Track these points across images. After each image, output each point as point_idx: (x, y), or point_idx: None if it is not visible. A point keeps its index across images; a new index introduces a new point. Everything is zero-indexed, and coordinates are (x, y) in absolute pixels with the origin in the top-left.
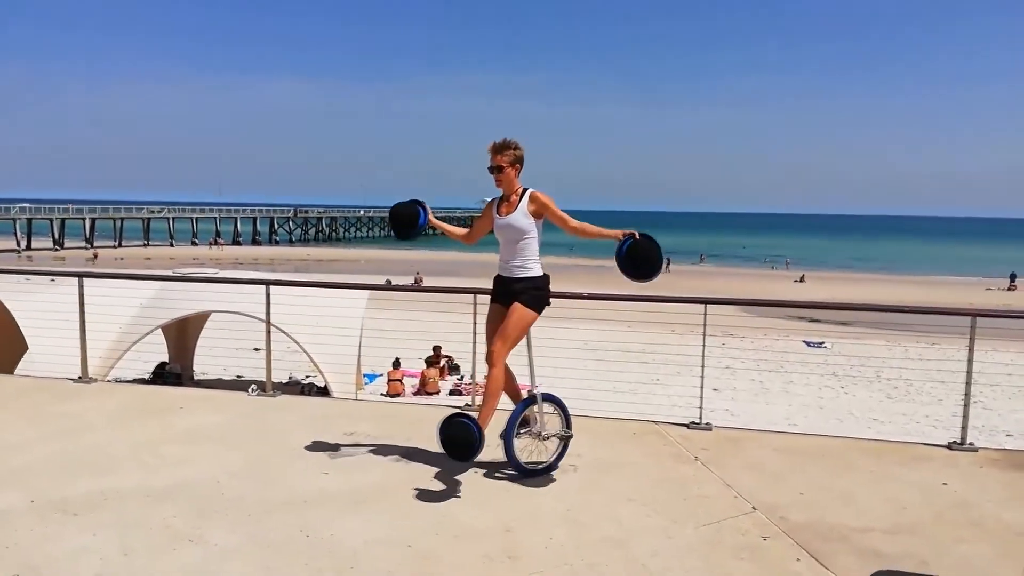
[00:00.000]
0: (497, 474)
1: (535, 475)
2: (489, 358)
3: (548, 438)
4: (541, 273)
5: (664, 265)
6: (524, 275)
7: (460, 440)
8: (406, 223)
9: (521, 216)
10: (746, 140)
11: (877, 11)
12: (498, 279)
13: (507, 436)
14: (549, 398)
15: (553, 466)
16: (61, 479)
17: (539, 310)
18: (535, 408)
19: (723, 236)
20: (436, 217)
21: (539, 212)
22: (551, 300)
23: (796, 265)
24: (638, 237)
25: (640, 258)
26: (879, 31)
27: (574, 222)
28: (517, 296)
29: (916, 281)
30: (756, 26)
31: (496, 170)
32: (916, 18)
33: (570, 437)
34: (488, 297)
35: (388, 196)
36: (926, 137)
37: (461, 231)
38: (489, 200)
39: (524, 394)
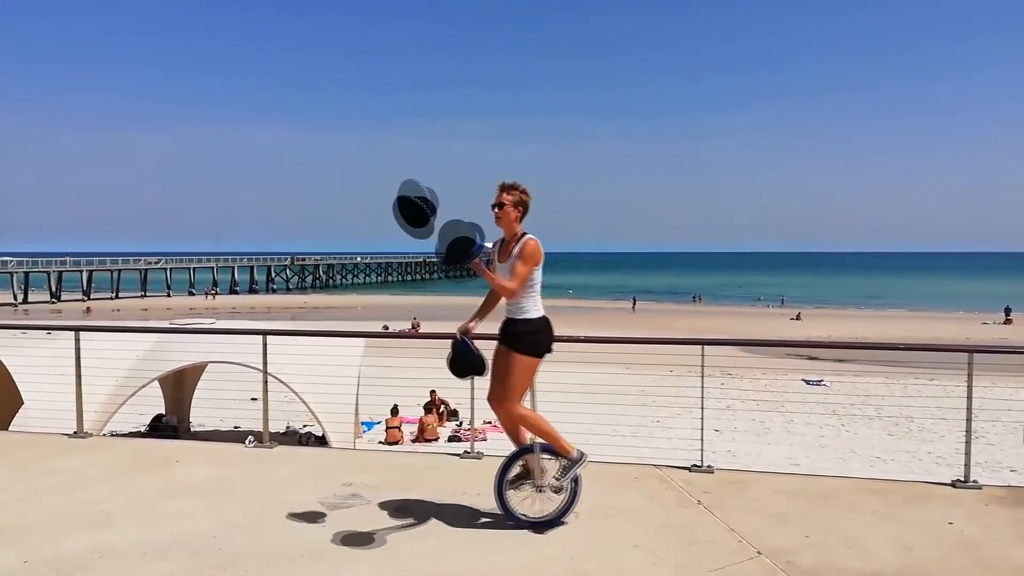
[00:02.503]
0: (499, 524)
1: (533, 526)
2: (500, 415)
3: (546, 489)
4: (540, 315)
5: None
6: (521, 317)
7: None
8: (458, 249)
9: (514, 262)
10: (736, 177)
11: (869, 51)
12: (504, 321)
13: (499, 486)
14: (547, 447)
15: (558, 520)
16: (55, 537)
17: (538, 355)
18: (533, 456)
19: (716, 275)
20: (434, 261)
21: (519, 256)
22: (553, 345)
23: (791, 303)
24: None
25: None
26: (863, 67)
27: (514, 287)
28: (514, 343)
29: (912, 316)
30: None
31: (498, 206)
32: (912, 56)
33: (576, 489)
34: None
35: (387, 241)
36: (916, 175)
37: (490, 300)
38: (491, 246)
39: (528, 442)
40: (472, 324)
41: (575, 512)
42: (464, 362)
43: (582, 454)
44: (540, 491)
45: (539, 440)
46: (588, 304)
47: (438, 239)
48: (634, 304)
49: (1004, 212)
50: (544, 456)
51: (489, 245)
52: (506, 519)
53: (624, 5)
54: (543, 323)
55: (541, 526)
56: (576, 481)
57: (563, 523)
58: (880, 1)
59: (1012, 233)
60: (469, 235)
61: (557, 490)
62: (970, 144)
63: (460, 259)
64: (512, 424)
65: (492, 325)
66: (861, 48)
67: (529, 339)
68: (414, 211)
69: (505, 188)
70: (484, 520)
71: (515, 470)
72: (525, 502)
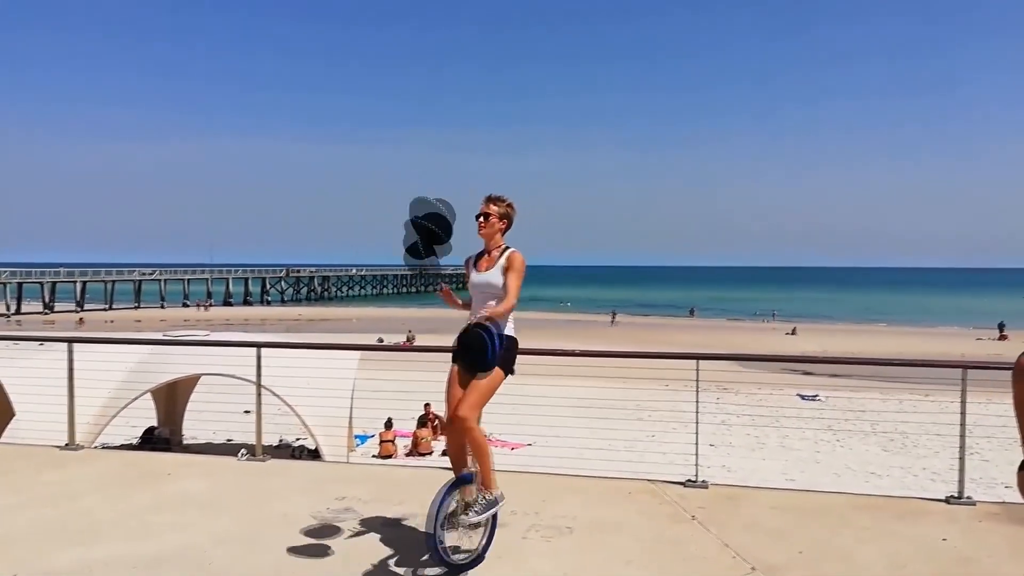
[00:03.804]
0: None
1: (463, 568)
2: (460, 426)
3: (468, 526)
4: (512, 334)
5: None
6: (499, 333)
7: (476, 346)
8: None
9: (499, 273)
10: (731, 191)
11: (863, 62)
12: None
13: (434, 524)
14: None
15: (480, 557)
16: (45, 550)
17: (506, 372)
18: (470, 489)
19: (711, 290)
20: (429, 273)
21: (507, 269)
22: (519, 367)
23: (783, 317)
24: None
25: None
26: (859, 90)
27: (511, 304)
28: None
29: (906, 332)
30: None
31: (483, 217)
32: (913, 80)
33: (489, 527)
34: None
35: (381, 254)
36: (911, 189)
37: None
38: (465, 259)
39: (470, 467)
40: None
41: (569, 527)
42: (481, 353)
43: (501, 496)
44: (469, 528)
45: (474, 469)
46: (583, 318)
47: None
48: (613, 318)
49: (999, 227)
50: (477, 487)
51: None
52: (433, 561)
53: (625, 12)
54: (515, 343)
55: (467, 568)
56: (495, 519)
57: (484, 558)
58: (877, 10)
59: (1007, 248)
60: (482, 333)
61: (476, 526)
62: (965, 158)
63: (479, 360)
64: (460, 446)
65: (440, 338)
66: (854, 59)
67: (506, 355)
68: (428, 234)
69: (492, 200)
70: None
71: (451, 505)
72: (452, 538)
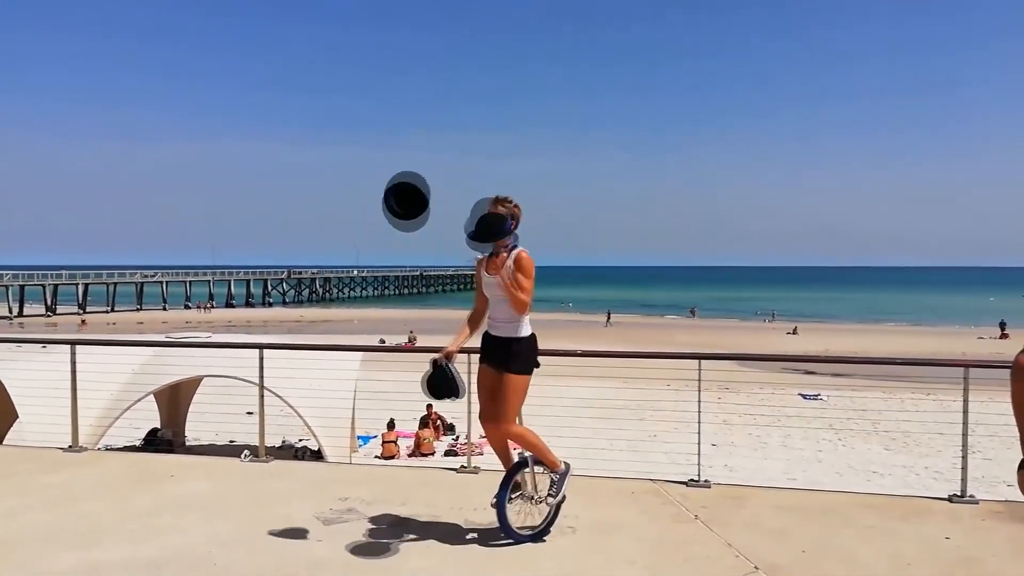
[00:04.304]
0: (496, 538)
1: (530, 540)
2: (506, 436)
3: (540, 501)
4: (530, 332)
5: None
6: (513, 335)
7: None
8: (491, 224)
9: (508, 274)
10: (730, 191)
11: (863, 62)
12: (487, 338)
13: (500, 502)
14: (537, 460)
15: (546, 531)
16: (47, 552)
17: (530, 372)
18: (527, 471)
19: (712, 290)
20: (430, 275)
21: (516, 270)
22: (540, 360)
23: (789, 318)
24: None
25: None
26: (854, 90)
27: (525, 300)
28: (507, 363)
29: (908, 331)
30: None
31: None
32: (912, 79)
33: (562, 500)
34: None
35: (383, 256)
36: (911, 188)
37: (475, 321)
38: (479, 259)
39: (515, 456)
40: (454, 349)
41: (571, 527)
42: (446, 386)
43: (567, 466)
44: (536, 504)
45: (528, 453)
46: (584, 318)
47: (470, 215)
48: (608, 319)
49: (1000, 226)
50: (538, 469)
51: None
52: (504, 535)
53: (625, 14)
54: (534, 340)
55: (535, 539)
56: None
57: (550, 532)
58: (876, 11)
59: (1008, 247)
60: (500, 214)
61: (550, 504)
62: (966, 157)
63: (492, 235)
64: (503, 443)
65: (478, 340)
66: (855, 59)
67: (525, 358)
68: (411, 198)
69: (497, 201)
70: (480, 535)
71: (512, 486)
72: (517, 516)
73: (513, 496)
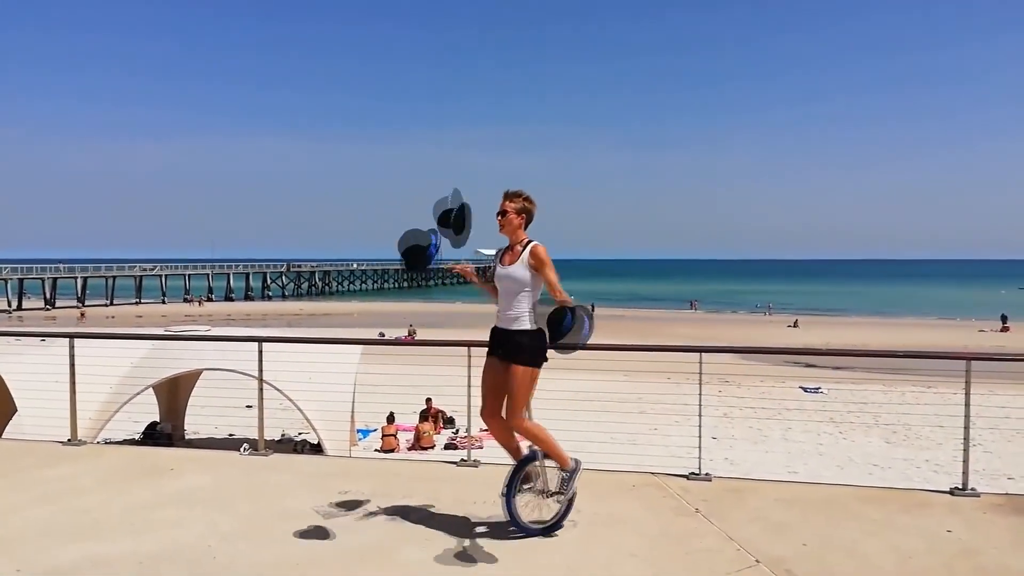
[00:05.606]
0: (496, 532)
1: (540, 534)
2: (516, 431)
3: (551, 495)
4: (536, 326)
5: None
6: (521, 328)
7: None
8: (416, 256)
9: (521, 267)
10: (732, 185)
11: (867, 57)
12: (495, 331)
13: (508, 494)
14: (546, 455)
15: (556, 526)
16: (48, 546)
17: (539, 365)
18: (537, 464)
19: (712, 283)
20: (443, 267)
21: (537, 267)
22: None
23: (790, 311)
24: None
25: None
26: (862, 85)
27: (561, 293)
28: (515, 355)
29: (910, 324)
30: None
31: (501, 214)
32: (915, 80)
33: (573, 496)
34: (484, 349)
35: (382, 249)
36: (912, 182)
37: (490, 285)
38: (495, 251)
39: (524, 450)
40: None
41: (572, 520)
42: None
43: (577, 463)
44: (546, 497)
45: (537, 448)
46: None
47: (398, 245)
48: (591, 310)
49: (1001, 219)
50: (548, 464)
51: (490, 252)
52: (513, 528)
53: (623, 13)
54: (543, 333)
55: (545, 533)
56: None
57: (562, 527)
58: (881, 5)
59: (1009, 240)
60: (423, 243)
61: (560, 502)
62: (967, 151)
63: (418, 264)
64: (508, 437)
65: (478, 332)
66: (859, 54)
67: (532, 351)
68: (456, 221)
69: (509, 196)
70: (481, 528)
71: (520, 479)
72: (525, 509)
73: (524, 488)
